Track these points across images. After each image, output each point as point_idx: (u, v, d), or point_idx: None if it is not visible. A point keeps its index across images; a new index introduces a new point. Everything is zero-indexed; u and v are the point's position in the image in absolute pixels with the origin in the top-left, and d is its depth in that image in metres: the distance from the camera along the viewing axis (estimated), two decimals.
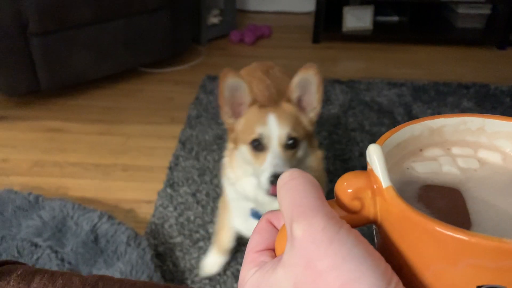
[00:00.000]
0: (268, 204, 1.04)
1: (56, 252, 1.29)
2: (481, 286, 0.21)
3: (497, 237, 0.20)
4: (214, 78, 2.26)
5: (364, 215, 0.26)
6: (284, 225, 0.27)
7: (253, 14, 3.19)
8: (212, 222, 1.44)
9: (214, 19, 2.76)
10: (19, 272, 0.45)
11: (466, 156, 0.28)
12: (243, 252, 1.31)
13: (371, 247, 0.23)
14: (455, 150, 0.29)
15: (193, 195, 1.54)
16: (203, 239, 1.38)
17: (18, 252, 1.28)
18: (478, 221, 0.24)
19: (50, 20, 1.86)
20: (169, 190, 1.56)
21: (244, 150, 1.03)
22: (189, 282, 1.26)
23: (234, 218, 1.19)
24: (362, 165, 1.67)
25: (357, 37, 2.75)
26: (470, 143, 0.29)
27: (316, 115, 1.06)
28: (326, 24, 2.71)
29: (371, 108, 2.05)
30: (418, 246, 0.23)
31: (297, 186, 0.25)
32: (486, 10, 2.71)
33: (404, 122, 0.29)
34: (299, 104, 1.06)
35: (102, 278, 0.46)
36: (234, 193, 1.11)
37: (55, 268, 1.24)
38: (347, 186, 0.26)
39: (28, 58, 1.88)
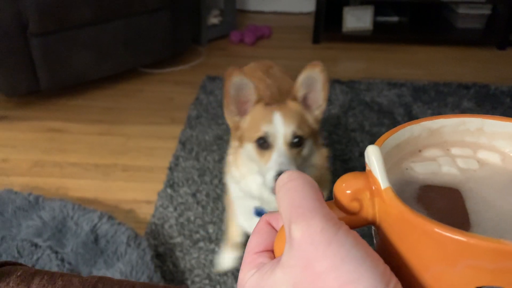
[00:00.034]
0: (273, 202, 1.05)
1: (56, 252, 1.29)
2: (480, 287, 0.21)
3: (495, 238, 0.20)
4: (214, 79, 2.26)
5: (363, 216, 0.26)
6: (283, 226, 0.27)
7: (253, 14, 3.19)
8: (212, 222, 1.44)
9: (214, 19, 2.76)
10: (18, 273, 0.45)
11: (465, 156, 0.28)
12: (243, 252, 1.31)
13: (370, 248, 0.23)
14: (455, 151, 0.29)
15: (193, 195, 1.54)
16: (203, 239, 1.38)
17: (18, 252, 1.28)
18: (478, 222, 0.24)
19: (50, 20, 1.86)
20: (169, 191, 1.56)
21: (250, 148, 1.03)
22: (189, 282, 1.26)
23: (238, 216, 1.19)
24: (362, 165, 1.66)
25: (357, 37, 2.75)
26: (470, 143, 0.29)
27: (321, 113, 1.06)
28: (326, 24, 2.71)
29: (371, 108, 2.05)
30: (417, 247, 0.23)
31: (295, 188, 0.25)
32: (486, 10, 2.71)
33: (404, 122, 0.29)
34: (305, 102, 1.05)
35: (101, 279, 0.46)
36: (239, 191, 1.11)
37: (55, 269, 1.24)
38: (345, 187, 0.26)
39: (28, 58, 1.88)
